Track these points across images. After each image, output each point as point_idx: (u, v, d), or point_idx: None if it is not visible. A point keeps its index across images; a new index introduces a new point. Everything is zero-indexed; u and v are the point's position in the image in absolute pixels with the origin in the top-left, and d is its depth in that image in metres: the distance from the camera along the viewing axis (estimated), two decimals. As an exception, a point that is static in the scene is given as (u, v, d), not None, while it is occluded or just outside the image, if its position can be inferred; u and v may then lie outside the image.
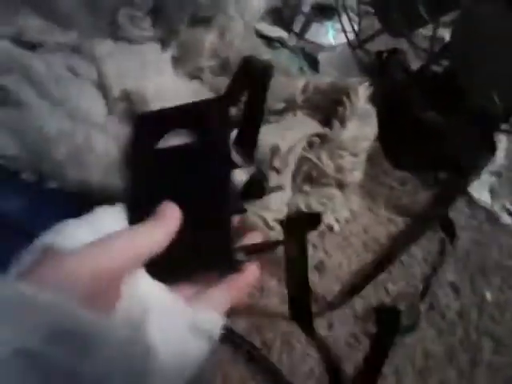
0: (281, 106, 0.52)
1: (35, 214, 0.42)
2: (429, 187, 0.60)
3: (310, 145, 0.51)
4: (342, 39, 0.82)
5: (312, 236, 0.55)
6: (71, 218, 0.44)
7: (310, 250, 0.54)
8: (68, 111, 0.45)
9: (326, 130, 0.50)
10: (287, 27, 0.89)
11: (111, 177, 0.43)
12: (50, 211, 0.43)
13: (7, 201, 0.42)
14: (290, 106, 0.52)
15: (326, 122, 0.53)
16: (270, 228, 0.49)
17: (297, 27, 0.88)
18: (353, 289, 0.51)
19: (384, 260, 0.53)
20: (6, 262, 0.41)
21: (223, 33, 0.55)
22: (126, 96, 0.46)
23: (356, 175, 0.54)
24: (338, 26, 0.81)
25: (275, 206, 0.50)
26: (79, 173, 0.42)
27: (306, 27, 0.89)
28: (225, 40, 0.55)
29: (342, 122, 0.50)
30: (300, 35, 0.86)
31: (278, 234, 0.51)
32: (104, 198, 0.44)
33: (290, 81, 0.52)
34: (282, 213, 0.51)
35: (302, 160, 0.51)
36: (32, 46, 0.48)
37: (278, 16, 0.91)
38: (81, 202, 0.44)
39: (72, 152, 0.42)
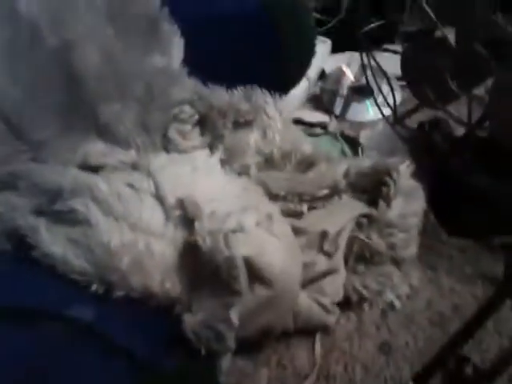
0: (325, 192, 0.54)
1: (106, 320, 0.45)
2: (490, 252, 0.57)
3: (359, 226, 0.52)
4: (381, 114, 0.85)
5: (373, 316, 0.54)
6: (137, 320, 0.48)
7: (373, 330, 0.53)
8: (130, 224, 0.49)
9: (372, 211, 0.51)
10: (328, 111, 0.93)
11: (169, 279, 0.46)
12: (118, 316, 0.46)
13: (80, 310, 0.45)
14: (334, 192, 0.54)
15: (372, 201, 0.54)
16: (329, 312, 0.50)
17: (337, 110, 0.93)
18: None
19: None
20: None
21: (265, 131, 0.60)
22: (180, 203, 0.50)
23: (410, 250, 0.53)
24: (377, 101, 0.85)
25: (330, 289, 0.50)
26: (142, 279, 0.45)
27: (345, 108, 0.94)
28: (267, 138, 0.59)
29: (388, 202, 0.51)
30: (341, 116, 0.90)
31: (335, 317, 0.51)
32: (164, 298, 0.47)
33: (331, 167, 0.55)
34: (339, 295, 0.51)
35: (353, 241, 0.51)
36: (95, 168, 0.54)
37: (318, 102, 0.97)
38: (144, 305, 0.48)
39: (135, 260, 0.46)
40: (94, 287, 0.46)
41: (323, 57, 1.01)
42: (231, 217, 0.45)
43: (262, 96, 0.61)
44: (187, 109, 0.57)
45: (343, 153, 0.70)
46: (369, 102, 0.93)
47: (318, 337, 0.52)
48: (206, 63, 0.59)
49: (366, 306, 0.54)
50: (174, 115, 0.57)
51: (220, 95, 0.58)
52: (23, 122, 0.54)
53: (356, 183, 0.55)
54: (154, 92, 0.55)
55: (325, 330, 0.52)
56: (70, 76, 0.54)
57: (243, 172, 0.61)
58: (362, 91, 0.95)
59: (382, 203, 0.51)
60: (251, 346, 0.51)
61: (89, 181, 0.50)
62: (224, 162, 0.61)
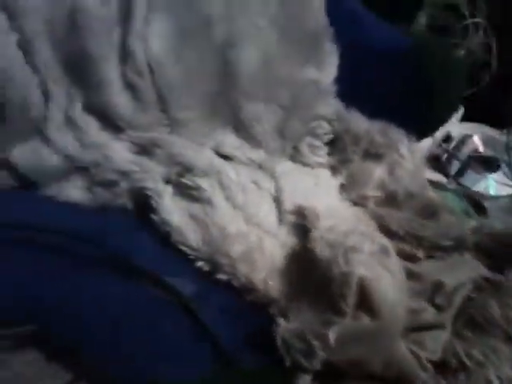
0: (449, 243, 0.51)
1: (202, 300, 0.45)
2: None
3: (478, 289, 0.48)
4: (504, 191, 0.81)
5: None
6: (230, 309, 0.47)
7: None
8: (246, 216, 0.50)
9: (498, 277, 0.47)
10: (444, 172, 0.90)
11: (273, 278, 0.45)
12: (215, 300, 0.46)
13: (182, 283, 0.46)
14: (458, 246, 0.51)
15: (495, 268, 0.51)
16: (423, 368, 0.46)
17: (452, 171, 0.89)
18: None
19: None
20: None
21: (393, 169, 0.58)
22: (299, 211, 0.50)
23: (527, 333, 0.48)
24: (500, 178, 0.81)
25: (431, 345, 0.46)
26: (248, 270, 0.45)
27: (461, 173, 0.90)
28: (394, 175, 0.57)
29: (517, 271, 0.47)
30: (455, 178, 0.86)
31: (428, 376, 0.47)
32: (264, 296, 0.46)
33: (460, 221, 0.52)
34: (437, 354, 0.47)
35: (467, 303, 0.48)
36: (225, 157, 0.56)
37: (436, 163, 0.94)
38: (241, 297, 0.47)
39: (245, 251, 0.46)
40: (199, 263, 0.47)
41: (452, 121, 0.99)
42: (350, 236, 0.44)
43: (398, 134, 0.60)
44: (325, 125, 0.58)
45: (467, 213, 0.66)
46: (491, 177, 0.89)
47: (401, 390, 0.48)
48: (352, 89, 0.60)
49: (462, 375, 0.49)
50: (310, 128, 0.57)
51: (359, 121, 0.58)
52: (172, 98, 0.57)
53: (482, 244, 0.51)
54: (300, 102, 0.56)
55: (411, 385, 0.48)
56: (225, 69, 0.57)
57: (359, 203, 0.59)
58: (484, 163, 0.91)
59: (510, 270, 0.47)
60: (330, 374, 0.48)
61: (220, 166, 0.52)
62: (343, 188, 0.60)
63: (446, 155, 0.94)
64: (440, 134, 0.93)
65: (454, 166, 0.91)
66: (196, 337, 0.45)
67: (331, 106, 0.57)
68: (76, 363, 0.47)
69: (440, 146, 0.97)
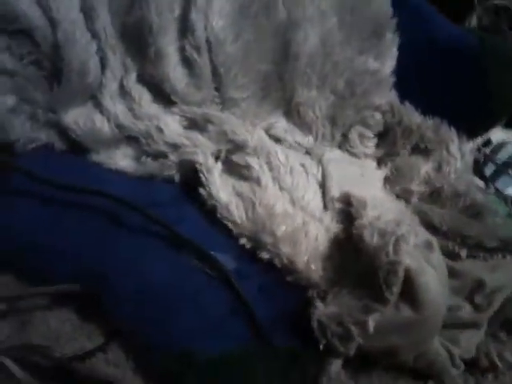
0: (493, 244, 0.50)
1: (243, 275, 0.46)
2: None
3: (520, 292, 0.48)
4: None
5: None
6: (270, 288, 0.48)
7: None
8: (292, 198, 0.50)
9: (541, 281, 0.47)
10: (480, 175, 0.88)
11: (315, 262, 0.46)
12: (258, 278, 0.46)
13: (225, 256, 0.47)
14: (503, 248, 0.50)
15: (540, 274, 0.50)
16: (455, 365, 0.46)
17: (487, 173, 0.87)
18: None
19: None
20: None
21: (440, 166, 0.58)
22: (346, 198, 0.50)
23: None
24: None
25: (465, 344, 0.46)
26: (291, 251, 0.46)
27: (494, 177, 0.88)
28: (441, 172, 0.57)
29: None
30: (489, 182, 0.85)
31: (457, 373, 0.47)
32: (304, 278, 0.47)
33: (507, 222, 0.51)
34: (470, 353, 0.47)
35: (507, 304, 0.47)
36: (275, 140, 0.56)
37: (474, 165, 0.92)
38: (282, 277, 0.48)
39: (289, 232, 0.47)
40: (243, 240, 0.47)
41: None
42: (402, 226, 0.44)
43: (449, 132, 0.59)
44: (377, 116, 0.57)
45: (510, 217, 0.65)
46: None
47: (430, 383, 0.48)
48: (408, 82, 0.59)
49: (490, 375, 0.49)
50: (362, 117, 0.57)
51: (412, 115, 0.57)
52: (228, 76, 0.57)
53: (527, 248, 0.51)
54: (356, 90, 0.56)
55: (440, 380, 0.48)
56: (284, 51, 0.57)
57: (403, 197, 0.59)
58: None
59: (554, 278, 0.47)
60: (360, 361, 0.49)
61: (270, 147, 0.52)
62: (387, 181, 0.60)
63: (483, 159, 0.92)
64: (481, 138, 0.91)
65: (490, 170, 0.89)
66: (233, 311, 0.46)
67: (387, 97, 0.56)
68: (110, 326, 0.48)
69: (479, 149, 0.96)
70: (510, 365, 0.47)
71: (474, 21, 1.02)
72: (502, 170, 0.85)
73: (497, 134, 0.94)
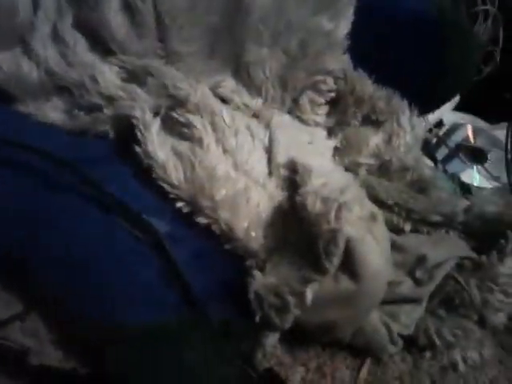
0: (437, 219, 0.49)
1: (177, 241, 0.42)
2: None
3: (460, 268, 0.47)
4: (486, 185, 0.80)
5: (432, 367, 0.48)
6: (205, 256, 0.45)
7: (427, 382, 0.47)
8: (236, 162, 0.47)
9: (482, 258, 0.46)
10: (432, 157, 0.89)
11: (256, 229, 0.43)
12: (189, 243, 0.43)
13: (158, 221, 0.43)
14: (447, 223, 0.49)
15: (479, 250, 0.50)
16: (393, 342, 0.45)
17: (439, 157, 0.88)
18: None
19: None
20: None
21: (390, 138, 0.56)
22: (292, 165, 0.47)
23: (500, 317, 0.48)
24: (484, 172, 0.80)
25: (405, 319, 0.45)
26: (230, 217, 0.43)
27: (447, 160, 0.89)
28: (390, 145, 0.55)
29: (502, 256, 0.46)
30: (441, 166, 0.85)
31: (396, 350, 0.47)
32: (243, 246, 0.44)
33: (452, 198, 0.50)
34: (409, 329, 0.46)
35: (447, 280, 0.47)
36: (221, 100, 0.53)
37: (424, 146, 0.93)
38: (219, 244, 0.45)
39: (230, 196, 0.44)
40: (180, 204, 0.44)
41: (446, 108, 0.97)
42: (346, 193, 0.42)
43: (401, 104, 0.57)
44: (330, 81, 0.55)
45: (455, 194, 0.65)
46: (476, 169, 0.88)
47: (368, 361, 0.47)
48: (362, 49, 0.57)
49: (428, 353, 0.48)
50: (314, 82, 0.54)
51: (366, 84, 0.55)
52: (173, 27, 0.53)
53: (470, 224, 0.50)
54: (308, 51, 0.53)
55: (378, 358, 0.47)
56: (235, 3, 0.53)
57: (351, 169, 0.57)
58: (472, 154, 0.90)
59: (494, 254, 0.46)
60: (296, 337, 0.47)
61: (215, 105, 0.48)
62: (336, 151, 0.58)
63: (435, 140, 0.93)
64: (432, 118, 0.91)
65: (442, 152, 0.90)
66: (165, 279, 0.43)
67: (340, 62, 0.54)
68: (30, 294, 0.44)
69: (431, 130, 0.96)
70: (448, 343, 0.47)
71: (433, 0, 1.01)
72: (453, 153, 0.86)
73: (449, 116, 0.95)
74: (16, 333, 0.42)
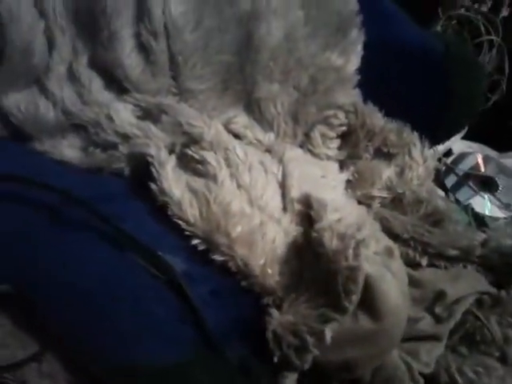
0: (454, 253, 0.49)
1: (195, 279, 0.42)
2: None
3: (479, 304, 0.47)
4: (499, 213, 0.80)
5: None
6: (221, 294, 0.44)
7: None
8: (250, 198, 0.47)
9: (501, 293, 0.46)
10: (441, 185, 0.89)
11: (272, 266, 0.43)
12: (205, 281, 0.43)
13: (173, 259, 0.43)
14: (464, 257, 0.49)
15: (498, 284, 0.49)
16: (414, 381, 0.44)
17: (448, 185, 0.88)
18: None
19: None
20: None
21: (403, 171, 0.56)
22: (306, 199, 0.47)
23: (523, 353, 0.47)
24: (495, 201, 0.80)
25: (425, 357, 0.44)
26: (246, 253, 0.42)
27: (456, 188, 0.89)
28: (403, 178, 0.55)
29: (522, 290, 0.45)
30: (450, 193, 0.85)
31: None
32: (259, 283, 0.43)
33: (467, 232, 0.50)
34: (430, 367, 0.45)
35: (467, 316, 0.46)
36: (234, 136, 0.53)
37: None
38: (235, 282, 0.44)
39: (245, 232, 0.43)
40: (195, 241, 0.44)
41: (455, 137, 0.98)
42: (363, 230, 0.41)
43: (412, 136, 0.58)
44: (341, 116, 0.55)
45: (470, 226, 0.65)
46: (487, 197, 0.88)
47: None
48: (372, 83, 0.58)
49: (450, 391, 0.47)
50: (325, 117, 0.55)
51: (376, 117, 0.56)
52: (186, 65, 0.54)
53: (488, 258, 0.50)
54: (319, 87, 0.53)
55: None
56: (246, 42, 0.54)
57: (364, 202, 0.57)
58: (482, 182, 0.90)
59: (514, 289, 0.46)
60: (315, 376, 0.46)
61: (228, 141, 0.49)
62: (349, 185, 0.58)
63: (444, 168, 0.93)
64: (441, 147, 0.92)
65: (450, 180, 0.90)
66: (181, 317, 0.42)
67: (350, 96, 0.55)
68: (46, 333, 0.43)
69: (440, 159, 0.96)
70: (470, 381, 0.46)
71: (438, 30, 1.02)
72: (462, 181, 0.86)
73: (457, 145, 0.95)
74: (33, 375, 0.42)
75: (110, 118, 0.51)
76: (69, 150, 0.52)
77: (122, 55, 0.53)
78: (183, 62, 0.53)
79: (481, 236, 0.50)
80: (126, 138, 0.49)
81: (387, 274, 0.42)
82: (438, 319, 0.45)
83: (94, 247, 0.44)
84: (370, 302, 0.40)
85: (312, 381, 0.44)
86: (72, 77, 0.55)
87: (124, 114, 0.51)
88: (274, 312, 0.41)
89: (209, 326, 0.41)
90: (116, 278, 0.43)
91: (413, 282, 0.47)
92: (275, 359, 0.40)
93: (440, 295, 0.46)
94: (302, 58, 0.54)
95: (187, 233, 0.44)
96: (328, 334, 0.38)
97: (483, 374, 0.46)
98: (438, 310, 0.45)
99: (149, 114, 0.52)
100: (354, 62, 0.54)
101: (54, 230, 0.45)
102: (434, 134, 0.60)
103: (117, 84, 0.54)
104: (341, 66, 0.54)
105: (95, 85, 0.54)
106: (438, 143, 0.66)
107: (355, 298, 0.38)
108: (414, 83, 0.58)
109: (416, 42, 0.59)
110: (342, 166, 0.59)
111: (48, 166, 0.52)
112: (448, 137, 0.65)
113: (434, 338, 0.45)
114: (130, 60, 0.53)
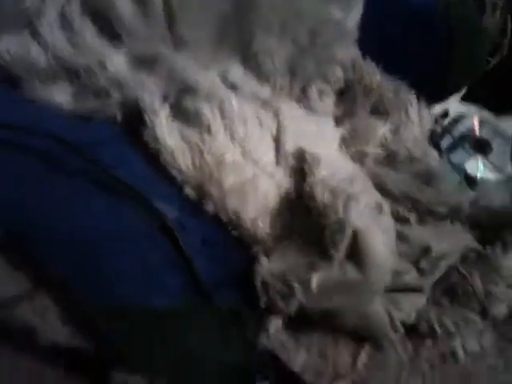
0: (443, 210, 0.49)
1: (187, 227, 0.43)
2: None
3: (463, 259, 0.48)
4: (492, 176, 0.80)
5: (431, 355, 0.49)
6: (211, 242, 0.45)
7: (426, 369, 0.48)
8: (244, 150, 0.47)
9: (486, 250, 0.47)
10: (436, 146, 0.89)
11: (263, 219, 0.43)
12: (201, 230, 0.44)
13: (165, 207, 0.43)
14: (453, 215, 0.50)
15: (484, 242, 0.50)
16: (394, 328, 0.46)
17: (443, 147, 0.88)
18: None
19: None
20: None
21: (398, 129, 0.56)
22: (300, 154, 0.47)
23: (502, 308, 0.48)
24: (488, 164, 0.80)
25: (407, 307, 0.46)
26: (237, 205, 0.43)
27: (451, 150, 0.89)
28: (398, 136, 0.55)
29: (506, 248, 0.47)
30: (444, 155, 0.85)
31: (397, 338, 0.47)
32: (250, 235, 0.44)
33: (458, 190, 0.51)
34: (410, 317, 0.47)
35: (451, 271, 0.47)
36: (231, 87, 0.52)
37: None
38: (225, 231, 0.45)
39: (238, 184, 0.44)
40: (187, 190, 0.44)
41: (452, 98, 0.97)
42: (354, 184, 0.42)
43: (409, 94, 0.57)
44: (338, 71, 0.54)
45: (460, 186, 0.65)
46: (481, 159, 0.88)
47: (367, 346, 0.48)
48: (371, 39, 0.57)
49: (428, 341, 0.49)
50: (323, 71, 0.54)
51: (374, 73, 0.55)
52: (181, 13, 0.52)
53: (476, 217, 0.50)
54: (317, 40, 0.52)
55: (379, 344, 0.48)
56: (244, -10, 0.52)
57: (357, 158, 0.57)
58: (477, 144, 0.90)
59: (499, 246, 0.47)
60: (300, 323, 0.47)
61: (224, 93, 0.48)
62: (343, 141, 0.58)
63: (440, 129, 0.93)
64: (438, 108, 0.91)
65: (446, 142, 0.90)
66: (173, 263, 0.43)
67: (349, 51, 0.53)
68: (38, 272, 0.44)
69: (436, 120, 0.96)
70: (449, 332, 0.47)
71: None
72: (458, 143, 0.86)
73: (455, 107, 0.94)
74: (24, 312, 0.43)
75: (102, 65, 0.50)
76: (60, 95, 0.52)
77: (115, -1, 0.51)
78: (179, 8, 0.52)
79: (470, 195, 0.51)
80: (119, 84, 0.49)
81: (376, 228, 0.43)
82: (421, 273, 0.46)
83: (88, 191, 0.44)
84: (357, 254, 0.41)
85: (297, 325, 0.46)
86: (64, 22, 0.53)
87: (117, 60, 0.50)
88: (264, 260, 0.42)
89: (199, 273, 0.42)
90: (110, 223, 0.43)
91: (400, 238, 0.48)
92: (262, 304, 0.41)
93: (426, 250, 0.47)
94: (301, 9, 0.52)
95: (179, 181, 0.44)
96: (315, 281, 0.40)
97: (462, 325, 0.48)
98: (422, 264, 0.46)
99: (142, 62, 0.51)
100: (354, 17, 0.53)
101: (50, 177, 0.45)
102: (433, 94, 0.59)
103: (110, 30, 0.53)
104: (341, 19, 0.52)
105: (88, 31, 0.53)
106: (436, 103, 0.66)
107: (342, 247, 0.39)
108: (415, 41, 0.57)
109: (417, 0, 0.58)
110: (338, 122, 0.58)
111: (40, 112, 0.52)
112: (446, 97, 0.65)
113: (416, 290, 0.47)
114: (124, 4, 0.52)
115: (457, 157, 0.86)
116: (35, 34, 0.53)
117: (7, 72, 0.53)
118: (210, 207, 0.43)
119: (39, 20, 0.53)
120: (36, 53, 0.52)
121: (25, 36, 0.54)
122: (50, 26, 0.53)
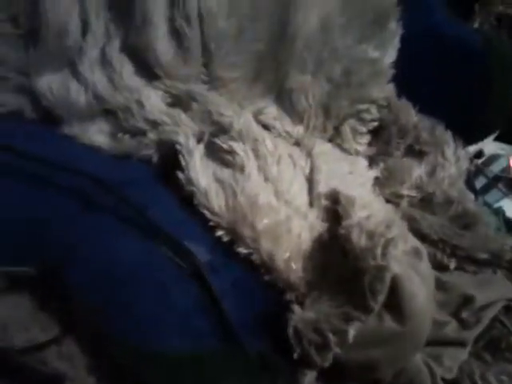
0: (484, 257, 0.47)
1: (218, 271, 0.42)
2: None
3: (507, 310, 0.45)
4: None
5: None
6: (244, 286, 0.44)
7: None
8: (277, 191, 0.46)
9: (531, 301, 0.44)
10: (470, 187, 0.86)
11: (297, 261, 0.42)
12: (233, 274, 0.43)
13: (198, 247, 0.42)
14: (494, 262, 0.47)
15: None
16: (436, 384, 0.43)
17: (477, 186, 0.86)
18: None
19: None
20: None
21: (434, 170, 0.55)
22: (334, 195, 0.46)
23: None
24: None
25: (448, 362, 0.43)
26: (271, 247, 0.42)
27: (485, 190, 0.86)
28: (434, 177, 0.54)
29: (553, 299, 0.44)
30: (478, 195, 0.83)
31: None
32: (283, 278, 0.43)
33: (498, 236, 0.48)
34: (452, 373, 0.44)
35: (494, 323, 0.44)
36: (263, 127, 0.52)
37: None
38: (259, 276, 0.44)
39: (271, 226, 0.43)
40: (220, 232, 0.43)
41: (487, 138, 0.95)
42: (393, 228, 0.40)
43: (446, 135, 0.56)
44: (373, 110, 0.54)
45: (499, 231, 0.63)
46: (518, 200, 0.85)
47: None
48: (407, 77, 0.56)
49: (472, 398, 0.46)
50: (357, 111, 0.54)
51: (410, 113, 0.54)
52: (218, 53, 0.53)
53: (518, 265, 0.48)
54: (352, 79, 0.52)
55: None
56: (281, 31, 0.53)
57: (392, 200, 0.56)
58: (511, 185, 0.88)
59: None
60: (335, 376, 0.45)
61: (258, 132, 0.48)
62: (377, 182, 0.56)
63: (474, 170, 0.90)
64: (472, 149, 0.89)
65: (480, 182, 0.88)
66: (203, 307, 0.42)
67: (384, 90, 0.53)
68: (67, 316, 0.44)
69: (471, 160, 0.93)
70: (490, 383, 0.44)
71: (475, 26, 0.99)
72: (492, 183, 0.84)
73: (489, 146, 0.92)
74: (52, 357, 0.42)
75: (140, 104, 0.51)
76: (98, 135, 0.52)
77: (154, 40, 0.53)
78: (215, 49, 0.53)
79: (511, 241, 0.48)
80: (155, 124, 0.49)
81: (414, 276, 0.41)
82: (463, 324, 0.44)
83: (120, 231, 0.44)
84: (395, 303, 0.39)
85: (331, 378, 0.44)
86: (104, 61, 0.55)
87: (154, 100, 0.51)
88: (296, 308, 0.41)
89: (229, 318, 0.41)
90: (141, 264, 0.43)
91: (439, 285, 0.46)
92: (295, 356, 0.40)
93: (467, 300, 0.44)
94: (336, 48, 0.52)
95: (212, 223, 0.44)
96: (351, 332, 0.38)
97: (507, 381, 0.45)
98: (464, 315, 0.44)
99: (179, 102, 0.51)
100: (390, 55, 0.53)
101: (81, 212, 0.45)
102: (469, 134, 0.58)
103: (148, 70, 0.54)
104: (376, 58, 0.52)
105: (126, 70, 0.54)
106: (472, 143, 0.64)
107: (381, 297, 0.37)
108: (452, 78, 0.56)
109: (456, 34, 0.57)
110: (372, 162, 0.57)
111: (77, 150, 0.53)
112: (483, 137, 0.63)
113: (458, 343, 0.44)
114: (162, 45, 0.53)
115: (491, 197, 0.84)
116: (76, 73, 0.55)
117: (47, 110, 0.54)
118: (242, 249, 0.42)
119: (80, 59, 0.55)
120: (76, 91, 0.54)
121: (66, 74, 0.55)
122: (90, 65, 0.54)
